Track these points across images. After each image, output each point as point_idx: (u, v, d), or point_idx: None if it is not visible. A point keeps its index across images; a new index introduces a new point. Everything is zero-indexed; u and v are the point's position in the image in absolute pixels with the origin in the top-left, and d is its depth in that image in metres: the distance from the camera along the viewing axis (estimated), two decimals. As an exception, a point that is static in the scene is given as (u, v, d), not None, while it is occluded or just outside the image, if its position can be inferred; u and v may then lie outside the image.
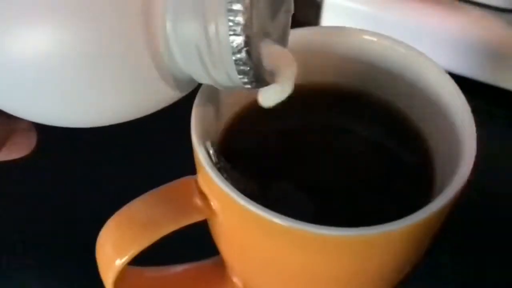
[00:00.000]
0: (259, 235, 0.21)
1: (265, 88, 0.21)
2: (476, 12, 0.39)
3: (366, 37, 0.26)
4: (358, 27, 0.26)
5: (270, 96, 0.21)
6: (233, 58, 0.18)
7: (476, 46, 0.38)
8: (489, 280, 0.32)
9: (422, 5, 0.39)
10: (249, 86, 0.19)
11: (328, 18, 0.41)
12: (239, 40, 0.18)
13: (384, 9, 0.40)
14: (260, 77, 0.19)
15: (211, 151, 0.22)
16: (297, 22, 0.23)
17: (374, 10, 0.40)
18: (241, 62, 0.18)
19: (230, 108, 0.25)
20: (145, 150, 0.36)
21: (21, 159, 0.25)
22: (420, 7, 0.39)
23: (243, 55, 0.18)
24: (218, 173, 0.21)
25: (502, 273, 0.32)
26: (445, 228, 0.23)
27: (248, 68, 0.19)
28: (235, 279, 0.27)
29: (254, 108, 0.26)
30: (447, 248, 0.30)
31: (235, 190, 0.20)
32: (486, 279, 0.32)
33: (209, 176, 0.21)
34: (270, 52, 0.20)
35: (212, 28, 0.18)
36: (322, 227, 0.19)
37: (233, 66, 0.19)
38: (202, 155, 0.21)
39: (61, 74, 0.18)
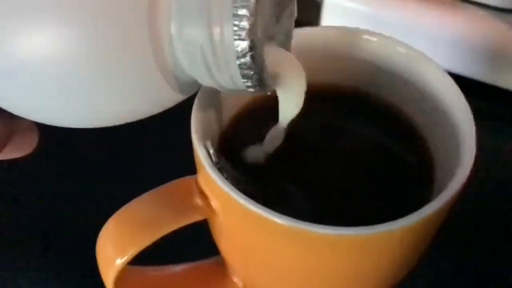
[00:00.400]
0: (259, 234, 0.21)
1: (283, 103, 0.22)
2: (476, 12, 0.39)
3: (366, 37, 0.26)
4: (358, 27, 0.26)
5: (289, 110, 0.22)
6: (238, 62, 0.18)
7: (476, 46, 0.38)
8: (489, 280, 0.32)
9: (422, 5, 0.39)
10: (252, 89, 0.19)
11: (328, 18, 0.41)
12: (244, 44, 0.18)
13: (384, 9, 0.40)
14: (263, 80, 0.19)
15: (211, 151, 0.22)
16: (297, 22, 0.23)
17: (374, 10, 0.40)
18: (245, 67, 0.18)
19: (230, 108, 0.25)
20: (146, 150, 0.36)
21: (22, 158, 0.25)
22: (420, 7, 0.39)
23: (247, 59, 0.18)
24: (218, 173, 0.21)
25: (502, 273, 0.32)
26: (445, 228, 0.23)
27: (252, 72, 0.19)
28: (235, 279, 0.27)
29: (254, 108, 0.26)
30: (447, 248, 0.30)
31: (235, 189, 0.20)
32: (486, 279, 0.32)
33: (209, 176, 0.21)
34: (276, 57, 0.20)
35: (217, 32, 0.18)
36: (322, 226, 0.19)
37: (237, 70, 0.19)
38: (202, 154, 0.21)
39: (64, 75, 0.18)
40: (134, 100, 0.20)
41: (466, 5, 0.39)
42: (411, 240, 0.21)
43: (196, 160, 0.22)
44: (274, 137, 0.24)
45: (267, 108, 0.25)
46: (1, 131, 0.23)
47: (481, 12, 0.39)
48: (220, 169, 0.21)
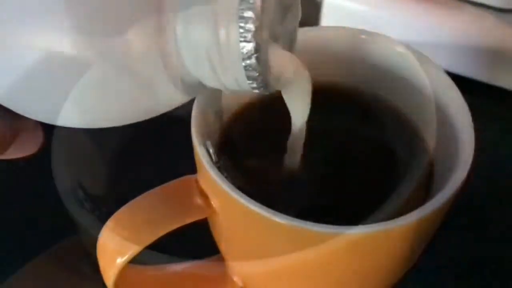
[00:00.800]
0: (258, 233, 0.22)
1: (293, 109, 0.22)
2: (476, 12, 0.39)
3: (366, 37, 0.26)
4: (358, 27, 0.26)
5: (297, 111, 0.22)
6: (243, 64, 0.18)
7: (476, 46, 0.38)
8: (489, 280, 0.32)
9: (422, 5, 0.39)
10: (257, 90, 0.20)
11: (328, 18, 0.41)
12: (249, 46, 0.18)
13: (384, 9, 0.40)
14: (267, 82, 0.19)
15: (211, 150, 0.22)
16: (297, 22, 0.23)
17: (374, 10, 0.40)
18: (250, 68, 0.19)
19: (230, 107, 0.26)
20: (146, 149, 0.36)
21: (26, 157, 0.25)
22: (419, 7, 0.39)
23: (252, 61, 0.18)
24: (218, 172, 0.21)
25: (501, 272, 0.32)
26: (443, 227, 0.23)
27: (257, 74, 0.19)
28: (235, 278, 0.27)
29: (254, 107, 0.26)
30: (446, 247, 0.30)
31: (235, 189, 0.20)
32: (485, 279, 0.32)
33: (209, 175, 0.21)
34: (280, 59, 0.20)
35: (223, 34, 0.18)
36: (321, 225, 0.20)
37: (243, 72, 0.19)
38: (202, 154, 0.21)
39: (70, 75, 0.19)
40: (138, 100, 0.20)
41: (466, 5, 0.39)
42: (409, 239, 0.21)
43: (196, 159, 0.22)
44: (292, 145, 0.24)
45: (267, 107, 0.25)
46: (5, 131, 0.23)
47: (481, 12, 0.39)
48: (220, 169, 0.21)
